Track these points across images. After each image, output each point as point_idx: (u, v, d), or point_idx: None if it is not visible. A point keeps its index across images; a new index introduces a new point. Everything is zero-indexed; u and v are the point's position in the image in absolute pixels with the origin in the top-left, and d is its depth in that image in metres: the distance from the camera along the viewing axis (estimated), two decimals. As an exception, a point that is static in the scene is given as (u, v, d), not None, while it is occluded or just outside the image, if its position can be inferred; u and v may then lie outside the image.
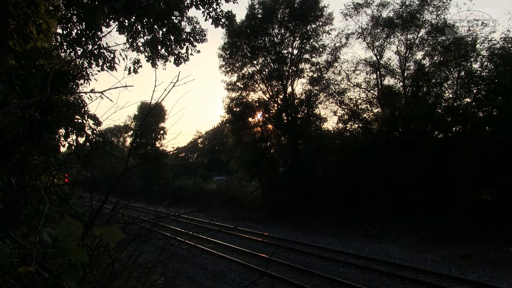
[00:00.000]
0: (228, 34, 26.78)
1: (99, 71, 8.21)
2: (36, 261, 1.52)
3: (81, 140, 6.56)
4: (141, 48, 9.08)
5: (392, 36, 21.79)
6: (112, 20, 7.97)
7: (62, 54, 8.07)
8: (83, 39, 7.50)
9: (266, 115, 28.08)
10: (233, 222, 24.06)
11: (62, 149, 6.92)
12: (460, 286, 9.69)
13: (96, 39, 7.84)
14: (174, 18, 8.79)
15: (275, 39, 27.01)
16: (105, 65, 8.21)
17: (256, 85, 28.44)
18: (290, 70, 27.12)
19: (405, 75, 21.35)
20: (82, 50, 7.79)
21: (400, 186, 17.98)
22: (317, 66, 26.30)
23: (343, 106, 23.53)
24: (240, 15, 61.15)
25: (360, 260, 12.55)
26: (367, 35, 22.67)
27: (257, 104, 28.09)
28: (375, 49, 22.62)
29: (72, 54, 7.88)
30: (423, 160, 17.44)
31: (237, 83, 28.61)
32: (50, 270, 1.80)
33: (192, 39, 9.30)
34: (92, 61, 7.97)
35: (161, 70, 20.19)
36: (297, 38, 26.99)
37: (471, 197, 15.31)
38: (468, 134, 16.88)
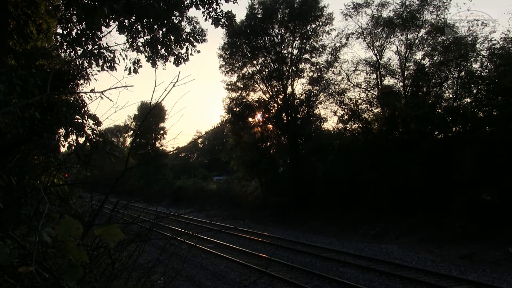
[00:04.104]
0: (228, 34, 26.79)
1: (99, 71, 8.22)
2: (36, 261, 1.52)
3: (81, 140, 6.57)
4: (141, 48, 9.09)
5: (392, 36, 21.81)
6: (112, 20, 7.98)
7: (62, 54, 8.08)
8: (83, 39, 7.51)
9: (266, 115, 28.08)
10: (233, 222, 24.04)
11: (62, 149, 6.92)
12: (460, 286, 9.69)
13: (96, 39, 7.85)
14: (174, 18, 8.80)
15: (275, 39, 27.01)
16: (105, 65, 8.22)
17: (256, 85, 28.46)
18: (290, 70, 27.12)
19: (405, 75, 21.35)
20: (82, 50, 7.80)
21: (400, 186, 17.97)
22: (317, 66, 26.33)
23: (343, 106, 23.54)
24: (240, 15, 61.19)
25: (360, 260, 12.55)
26: (367, 35, 22.69)
27: (257, 104, 28.10)
28: (375, 49, 22.65)
29: (72, 54, 7.89)
30: (423, 160, 17.44)
31: (237, 83, 28.64)
32: (50, 270, 1.80)
33: (192, 39, 9.32)
34: (92, 61, 7.98)
35: (161, 70, 20.20)
36: (297, 38, 27.00)
37: (471, 197, 15.30)
38: (468, 134, 16.87)
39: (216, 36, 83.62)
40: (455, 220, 15.07)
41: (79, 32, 7.55)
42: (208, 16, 9.16)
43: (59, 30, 8.11)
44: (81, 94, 7.14)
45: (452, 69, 19.14)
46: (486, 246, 13.04)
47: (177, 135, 27.78)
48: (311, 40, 26.63)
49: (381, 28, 21.92)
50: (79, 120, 6.58)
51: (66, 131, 6.50)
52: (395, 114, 20.70)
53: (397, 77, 21.93)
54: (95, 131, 6.66)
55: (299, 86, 32.78)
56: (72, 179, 7.28)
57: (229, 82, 28.77)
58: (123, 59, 8.68)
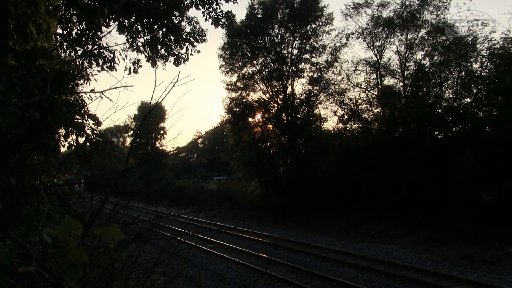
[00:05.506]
0: (228, 34, 26.79)
1: (99, 71, 8.21)
2: (36, 261, 1.52)
3: (81, 140, 6.57)
4: (141, 48, 9.08)
5: (392, 36, 21.81)
6: (112, 20, 7.96)
7: (62, 54, 8.07)
8: (83, 39, 7.50)
9: (266, 115, 28.09)
10: (233, 222, 24.04)
11: (62, 149, 6.92)
12: (460, 286, 9.69)
13: (96, 39, 7.85)
14: (174, 18, 8.78)
15: (275, 39, 27.01)
16: (105, 65, 8.21)
17: (256, 85, 28.46)
18: (290, 70, 27.12)
19: (405, 75, 21.36)
20: (82, 50, 7.79)
21: (400, 186, 17.97)
22: (317, 66, 26.32)
23: (343, 106, 23.55)
24: (240, 15, 61.22)
25: (360, 260, 12.55)
26: (367, 35, 22.69)
27: (257, 104, 28.10)
28: (375, 49, 22.64)
29: (72, 54, 7.88)
30: (423, 160, 17.43)
31: (237, 83, 28.64)
32: (50, 270, 1.80)
33: (192, 39, 9.30)
34: (92, 61, 7.97)
35: (161, 70, 20.20)
36: (297, 38, 27.00)
37: (471, 197, 15.30)
38: (468, 134, 16.88)
39: (216, 36, 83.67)
40: (455, 220, 15.07)
41: (79, 32, 7.54)
42: (208, 16, 9.15)
43: (59, 30, 8.10)
44: (81, 94, 7.15)
45: (452, 69, 19.15)
46: (486, 246, 13.04)
47: (177, 135, 27.79)
48: (311, 40, 26.63)
49: (381, 28, 21.92)
50: (79, 120, 6.58)
51: (66, 131, 6.50)
52: (395, 114, 20.70)
53: (397, 77, 21.95)
54: (95, 131, 6.66)
55: (299, 86, 32.78)
56: (74, 178, 7.29)
57: (229, 82, 28.81)
58: (123, 59, 8.67)
